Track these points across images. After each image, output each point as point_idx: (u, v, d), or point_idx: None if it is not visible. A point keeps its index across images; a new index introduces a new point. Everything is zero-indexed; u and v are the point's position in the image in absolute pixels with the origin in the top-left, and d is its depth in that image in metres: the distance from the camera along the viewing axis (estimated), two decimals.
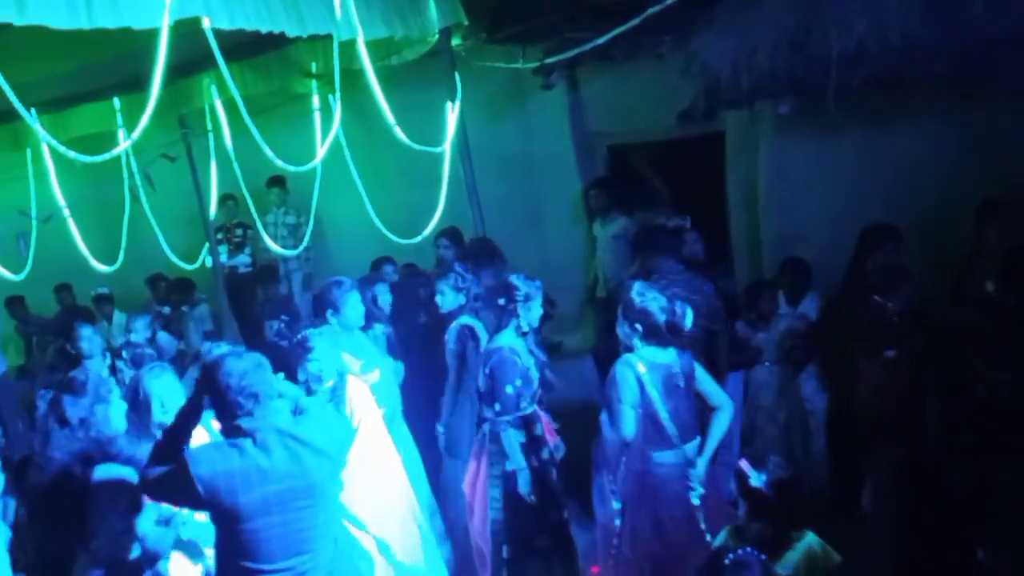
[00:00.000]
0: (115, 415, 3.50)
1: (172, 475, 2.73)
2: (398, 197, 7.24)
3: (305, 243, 7.59)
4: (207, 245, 7.10)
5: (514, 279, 4.28)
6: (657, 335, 3.78)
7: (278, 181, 7.90)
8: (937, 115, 5.37)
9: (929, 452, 4.33)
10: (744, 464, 3.08)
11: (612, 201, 6.89)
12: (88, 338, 5.41)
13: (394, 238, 6.56)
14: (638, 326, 3.78)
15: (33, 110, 5.83)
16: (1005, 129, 5.16)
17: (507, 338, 4.22)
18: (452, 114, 6.04)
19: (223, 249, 7.91)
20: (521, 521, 4.13)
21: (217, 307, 7.20)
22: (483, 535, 4.22)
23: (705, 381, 3.93)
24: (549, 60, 6.35)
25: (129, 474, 3.22)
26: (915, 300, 4.76)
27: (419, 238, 6.48)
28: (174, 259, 7.54)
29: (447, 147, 6.12)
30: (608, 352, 6.55)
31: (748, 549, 2.54)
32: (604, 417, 3.89)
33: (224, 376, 2.76)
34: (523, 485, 4.10)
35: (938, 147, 5.41)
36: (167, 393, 3.54)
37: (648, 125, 6.82)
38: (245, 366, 2.80)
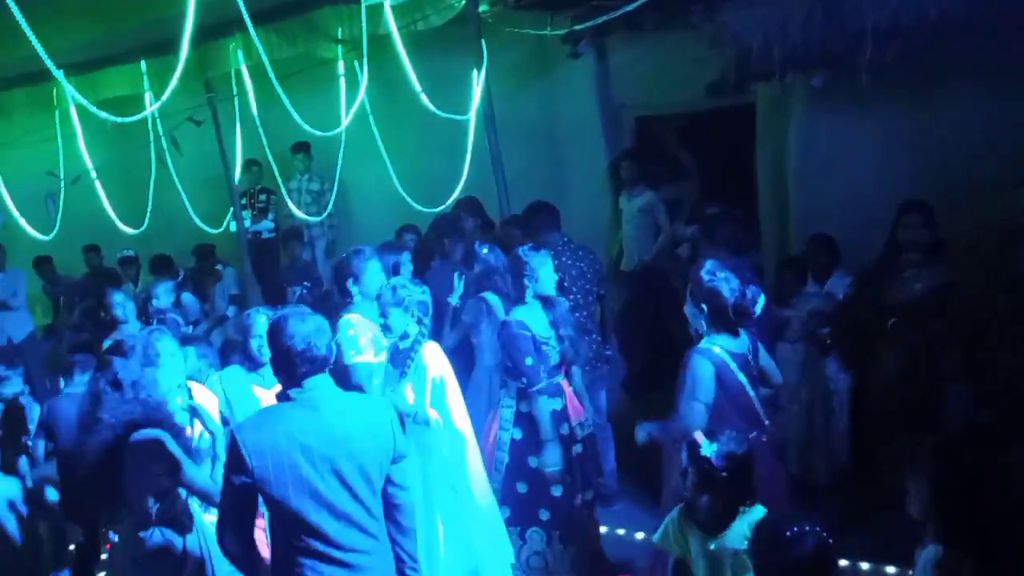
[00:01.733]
0: (163, 378, 3.56)
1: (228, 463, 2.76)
2: (422, 165, 7.22)
3: (329, 210, 7.61)
4: (231, 210, 7.13)
5: (521, 251, 4.26)
6: (723, 318, 3.60)
7: (303, 147, 7.90)
8: (973, 91, 5.23)
9: (947, 435, 4.29)
10: (698, 435, 3.06)
11: (640, 174, 6.81)
12: (121, 304, 5.45)
13: (417, 206, 6.56)
14: (704, 307, 3.61)
15: (62, 72, 5.86)
16: None
17: (517, 312, 4.21)
18: (478, 82, 5.99)
19: (247, 214, 7.94)
20: (523, 490, 4.14)
21: (241, 272, 7.24)
22: None
23: (765, 358, 3.82)
24: (577, 27, 6.25)
25: (167, 438, 3.30)
26: (946, 280, 4.70)
27: (442, 207, 6.46)
28: (199, 223, 7.59)
29: (472, 115, 6.08)
30: (631, 328, 6.57)
31: (808, 526, 2.47)
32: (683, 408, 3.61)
33: (287, 338, 2.78)
34: (533, 458, 4.12)
35: (974, 124, 5.28)
36: (166, 354, 3.66)
37: (677, 97, 6.70)
38: (308, 329, 2.81)
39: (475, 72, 5.99)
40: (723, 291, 3.58)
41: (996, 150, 5.15)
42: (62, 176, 7.55)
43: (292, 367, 2.78)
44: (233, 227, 7.11)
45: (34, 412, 4.86)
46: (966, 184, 5.16)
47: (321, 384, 2.84)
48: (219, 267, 7.68)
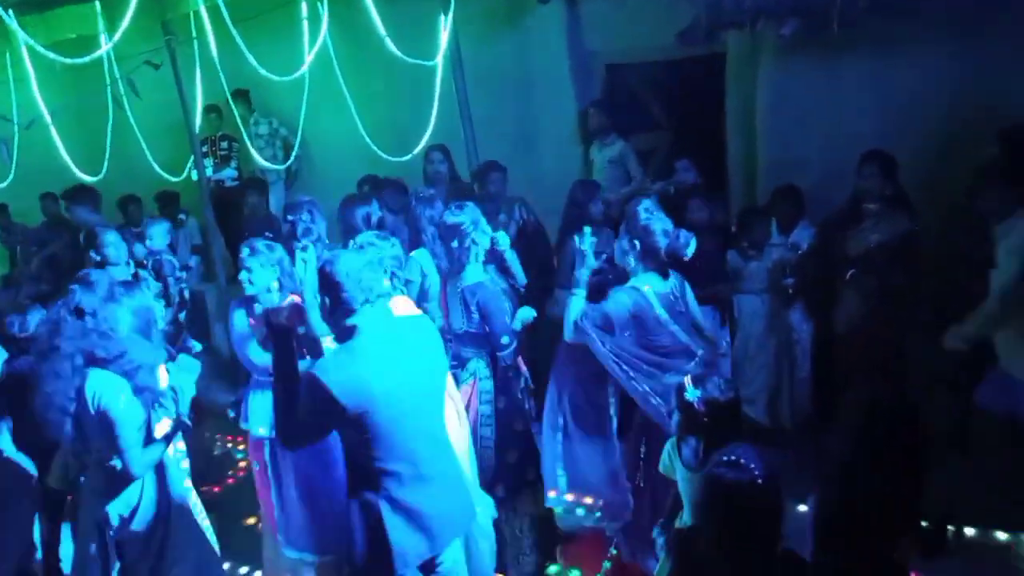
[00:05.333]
0: (123, 318, 3.48)
1: (311, 400, 2.82)
2: (388, 113, 7.08)
3: (295, 153, 7.45)
4: (192, 157, 6.94)
5: (449, 217, 4.02)
6: (654, 258, 3.69)
7: (240, 95, 7.66)
8: (943, 43, 5.23)
9: (905, 386, 4.35)
10: (687, 379, 3.14)
11: (610, 123, 6.70)
12: (114, 244, 5.23)
13: (383, 155, 6.44)
14: (636, 243, 3.69)
15: (11, 11, 5.62)
16: (1011, 59, 5.04)
17: (478, 273, 4.04)
18: (445, 27, 5.85)
19: (208, 162, 7.75)
20: (513, 459, 4.08)
21: (203, 221, 7.09)
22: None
23: (694, 303, 3.93)
24: None
25: (124, 387, 3.27)
26: (906, 231, 4.71)
27: (409, 156, 6.35)
28: (159, 171, 7.40)
29: (439, 61, 5.95)
30: (596, 279, 6.54)
31: (752, 463, 2.54)
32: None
33: (339, 272, 2.90)
34: (517, 421, 4.10)
35: (943, 75, 5.29)
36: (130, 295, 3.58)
37: (647, 44, 6.60)
38: (360, 263, 2.96)
39: (442, 16, 5.85)
40: (656, 230, 3.64)
41: (964, 100, 5.17)
42: (15, 121, 7.29)
43: (348, 298, 2.91)
44: (195, 175, 6.92)
45: None
46: (937, 134, 5.18)
47: (380, 311, 2.97)
48: (181, 216, 7.51)
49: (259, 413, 3.99)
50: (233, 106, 7.42)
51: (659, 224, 3.66)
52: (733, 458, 2.58)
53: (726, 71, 6.32)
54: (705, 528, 2.56)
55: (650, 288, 3.71)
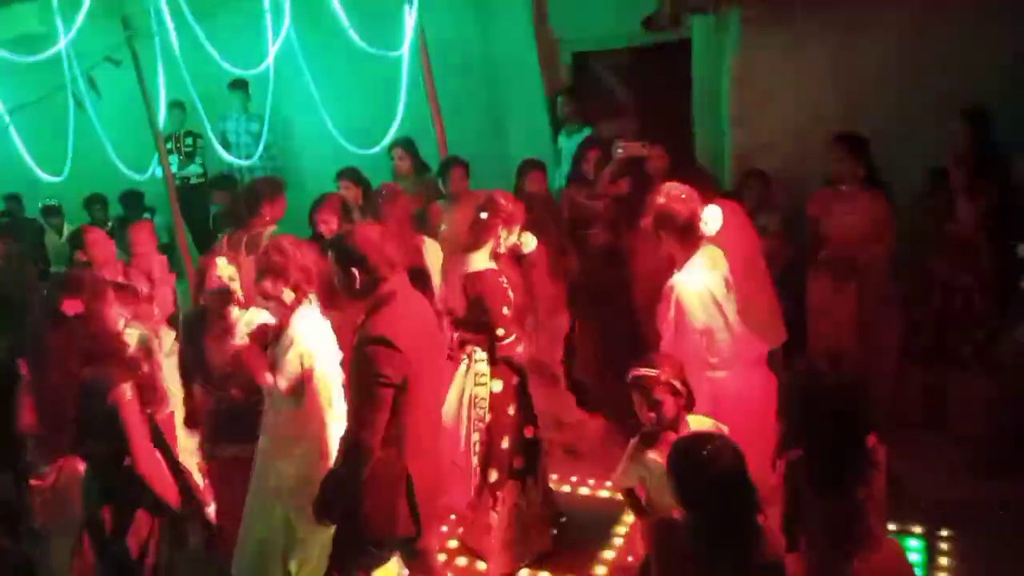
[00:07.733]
0: None
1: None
2: (356, 104, 7.01)
3: (259, 152, 7.35)
4: (156, 155, 6.83)
5: (501, 198, 4.04)
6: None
7: (241, 84, 7.56)
8: (905, 24, 5.28)
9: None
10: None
11: (577, 111, 6.70)
12: (102, 243, 5.19)
13: (351, 148, 6.38)
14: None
15: None
16: (970, 40, 5.10)
17: (484, 260, 4.01)
18: (410, 17, 5.81)
19: (173, 159, 7.64)
20: (502, 442, 4.03)
21: (169, 219, 6.98)
22: (464, 456, 4.04)
23: None
24: None
25: None
26: (881, 211, 4.77)
27: (378, 147, 6.30)
28: (124, 169, 7.28)
29: (405, 52, 5.90)
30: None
31: (719, 439, 2.56)
32: None
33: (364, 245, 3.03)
34: (511, 406, 4.06)
35: (904, 57, 5.34)
36: None
37: (613, 31, 6.62)
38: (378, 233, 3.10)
39: (407, 6, 5.80)
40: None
41: (926, 81, 5.23)
42: None
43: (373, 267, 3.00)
44: (159, 173, 6.80)
45: None
46: (897, 115, 5.23)
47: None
48: (147, 215, 7.41)
49: None
50: (232, 95, 7.33)
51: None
52: (709, 448, 2.53)
53: (692, 57, 6.33)
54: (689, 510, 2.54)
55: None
